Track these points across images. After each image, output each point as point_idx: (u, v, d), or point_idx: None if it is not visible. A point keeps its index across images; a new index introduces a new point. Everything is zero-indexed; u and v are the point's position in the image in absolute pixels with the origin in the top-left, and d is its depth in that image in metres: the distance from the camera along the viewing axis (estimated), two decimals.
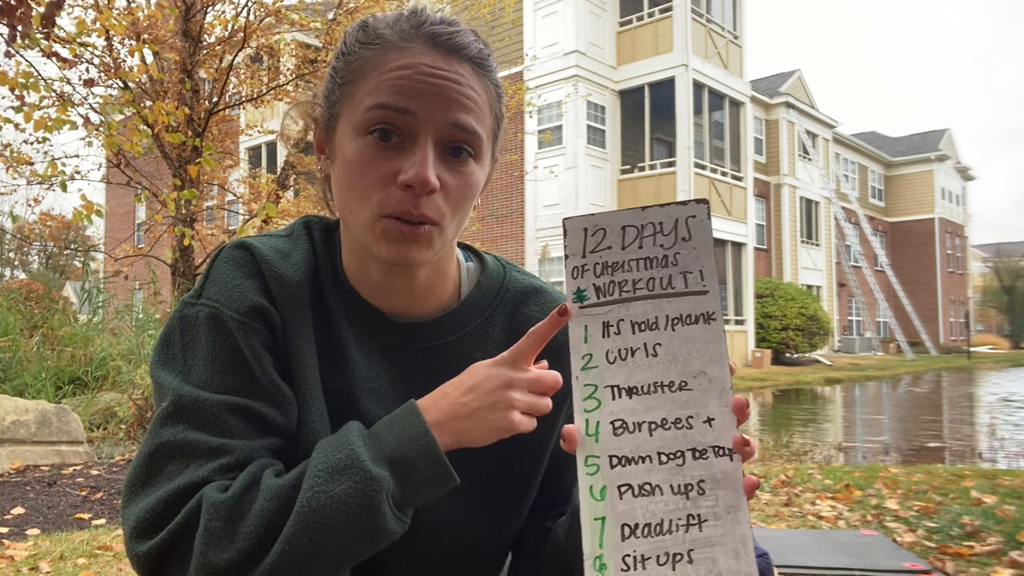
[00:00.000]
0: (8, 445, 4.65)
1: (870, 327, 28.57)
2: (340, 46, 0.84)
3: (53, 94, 6.72)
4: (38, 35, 4.27)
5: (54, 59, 5.06)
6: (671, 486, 0.65)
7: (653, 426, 0.66)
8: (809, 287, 24.38)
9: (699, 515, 0.64)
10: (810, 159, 25.76)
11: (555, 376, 0.75)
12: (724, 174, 18.56)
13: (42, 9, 4.01)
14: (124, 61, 7.53)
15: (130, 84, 7.56)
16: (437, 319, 0.89)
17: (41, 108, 6.42)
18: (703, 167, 17.68)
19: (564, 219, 0.70)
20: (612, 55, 18.09)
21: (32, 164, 7.48)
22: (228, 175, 10.50)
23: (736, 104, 19.17)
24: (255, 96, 8.45)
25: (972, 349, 30.46)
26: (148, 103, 6.91)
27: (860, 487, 4.15)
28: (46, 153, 8.64)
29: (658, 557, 0.64)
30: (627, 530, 0.64)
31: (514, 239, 17.70)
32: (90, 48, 7.07)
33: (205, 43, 7.89)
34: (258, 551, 0.67)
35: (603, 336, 0.68)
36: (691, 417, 0.66)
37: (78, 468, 4.65)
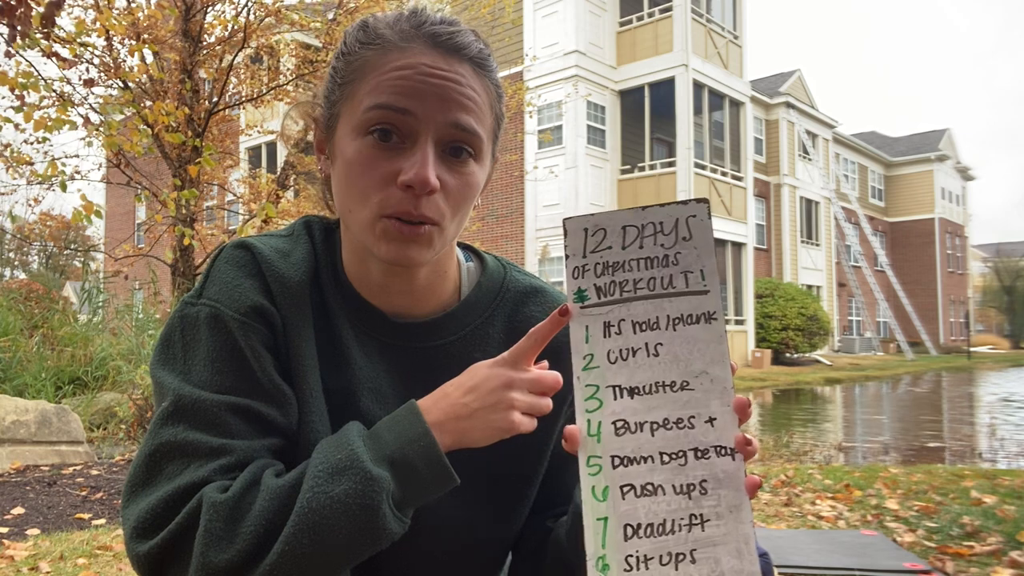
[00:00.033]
0: (8, 445, 4.65)
1: (870, 327, 28.57)
2: (340, 46, 0.84)
3: (53, 94, 6.72)
4: (38, 35, 4.27)
5: (54, 59, 5.06)
6: (673, 486, 0.65)
7: (655, 426, 0.66)
8: (809, 287, 24.38)
9: (701, 515, 0.64)
10: (810, 159, 25.76)
11: (555, 376, 0.75)
12: (724, 174, 18.56)
13: (42, 9, 4.01)
14: (124, 61, 7.53)
15: (130, 84, 7.56)
16: (437, 319, 0.89)
17: (41, 108, 6.42)
18: (703, 167, 17.69)
19: (564, 219, 0.70)
20: (612, 55, 18.09)
21: (32, 164, 7.48)
22: (228, 175, 10.50)
23: (736, 104, 19.17)
24: (255, 96, 8.45)
25: (972, 349, 30.46)
26: (148, 103, 6.91)
27: (860, 487, 4.15)
28: (46, 153, 8.64)
29: (661, 557, 0.64)
30: (630, 530, 0.64)
31: (514, 239, 17.70)
32: (90, 48, 7.07)
33: (205, 43, 7.89)
34: (258, 551, 0.67)
35: (604, 336, 0.68)
36: (693, 417, 0.66)
37: (78, 468, 4.65)
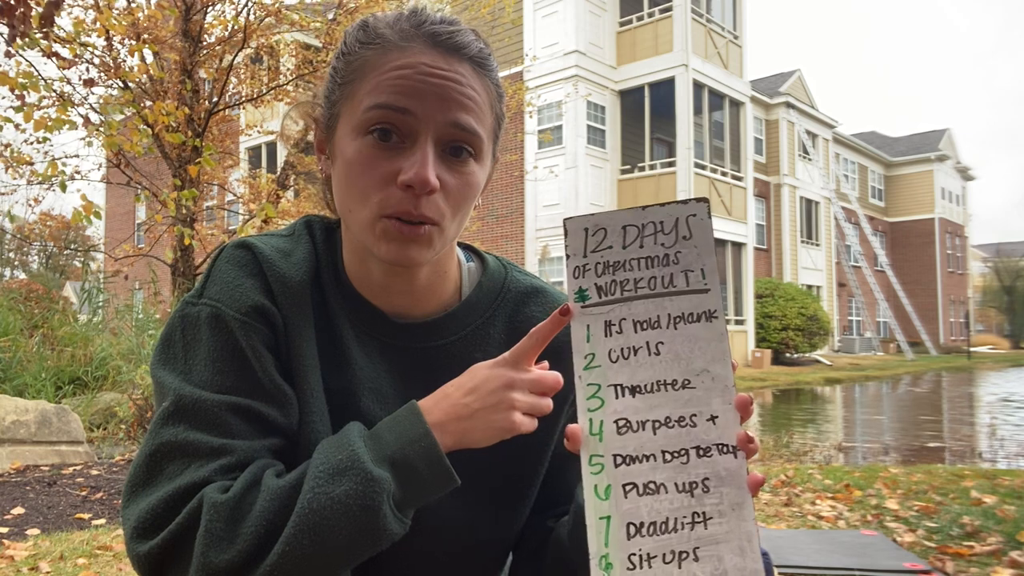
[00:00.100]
0: (8, 445, 4.65)
1: (870, 327, 28.57)
2: (340, 46, 0.84)
3: (53, 94, 6.72)
4: (37, 35, 4.27)
5: (54, 59, 5.06)
6: (676, 484, 0.65)
7: (657, 424, 0.66)
8: (809, 287, 24.39)
9: (704, 513, 0.64)
10: (810, 159, 25.77)
11: (556, 376, 0.75)
12: (724, 174, 18.56)
13: (41, 9, 4.01)
14: (124, 61, 7.53)
15: (130, 84, 7.56)
16: (438, 319, 0.89)
17: (41, 108, 6.42)
18: (703, 167, 17.69)
19: (565, 219, 0.70)
20: (612, 55, 18.09)
21: (32, 164, 7.49)
22: (228, 175, 10.51)
23: (736, 104, 19.17)
24: (255, 96, 8.45)
25: (972, 349, 30.46)
26: (148, 103, 6.91)
27: (860, 487, 4.15)
28: (46, 153, 8.64)
29: (664, 555, 0.64)
30: (632, 529, 0.64)
31: (514, 239, 17.70)
32: (90, 48, 7.07)
33: (205, 43, 7.90)
34: (259, 552, 0.67)
35: (605, 335, 0.68)
36: (695, 415, 0.66)
37: (78, 468, 4.65)
